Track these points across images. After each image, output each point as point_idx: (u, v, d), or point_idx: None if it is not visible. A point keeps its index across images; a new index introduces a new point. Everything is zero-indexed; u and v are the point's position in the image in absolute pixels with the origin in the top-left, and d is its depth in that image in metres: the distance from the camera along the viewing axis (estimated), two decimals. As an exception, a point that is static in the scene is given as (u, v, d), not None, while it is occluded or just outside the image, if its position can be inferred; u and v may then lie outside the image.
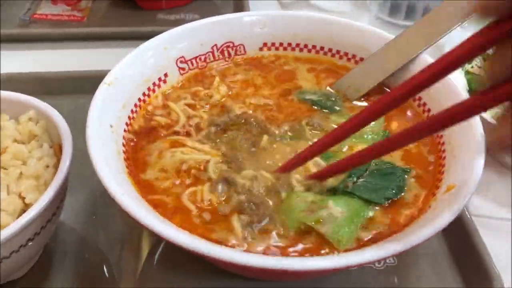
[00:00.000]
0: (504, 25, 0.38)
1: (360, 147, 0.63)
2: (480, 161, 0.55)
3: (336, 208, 0.54)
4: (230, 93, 0.74)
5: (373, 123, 0.62)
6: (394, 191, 0.59)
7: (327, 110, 0.71)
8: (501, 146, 0.43)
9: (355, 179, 0.60)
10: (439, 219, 0.48)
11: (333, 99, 0.73)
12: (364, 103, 0.73)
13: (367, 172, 0.61)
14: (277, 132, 0.67)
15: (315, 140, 0.61)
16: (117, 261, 0.67)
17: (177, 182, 0.60)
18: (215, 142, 0.65)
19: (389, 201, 0.58)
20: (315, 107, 0.72)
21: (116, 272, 0.66)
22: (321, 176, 0.59)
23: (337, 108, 0.71)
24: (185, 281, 0.64)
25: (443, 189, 0.56)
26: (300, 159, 0.58)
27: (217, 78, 0.76)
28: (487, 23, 0.40)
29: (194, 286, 0.63)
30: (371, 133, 0.67)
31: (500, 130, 0.46)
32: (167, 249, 0.68)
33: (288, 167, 0.59)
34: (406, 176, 0.62)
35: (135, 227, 0.70)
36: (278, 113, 0.71)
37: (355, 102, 0.74)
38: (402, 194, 0.59)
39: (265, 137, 0.65)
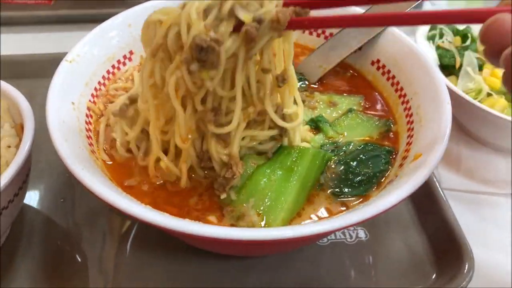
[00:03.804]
0: None
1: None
2: (446, 130, 0.55)
3: None
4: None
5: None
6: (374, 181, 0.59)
7: None
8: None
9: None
10: (405, 186, 0.48)
11: None
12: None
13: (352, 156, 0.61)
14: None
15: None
16: (86, 243, 0.66)
17: None
18: None
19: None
20: None
21: (87, 253, 0.65)
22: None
23: None
24: (157, 265, 0.63)
25: (411, 158, 0.56)
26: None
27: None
28: None
29: (166, 267, 0.63)
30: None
31: None
32: (139, 232, 0.67)
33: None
34: (390, 157, 0.61)
35: (105, 211, 0.69)
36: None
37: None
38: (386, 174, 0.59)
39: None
